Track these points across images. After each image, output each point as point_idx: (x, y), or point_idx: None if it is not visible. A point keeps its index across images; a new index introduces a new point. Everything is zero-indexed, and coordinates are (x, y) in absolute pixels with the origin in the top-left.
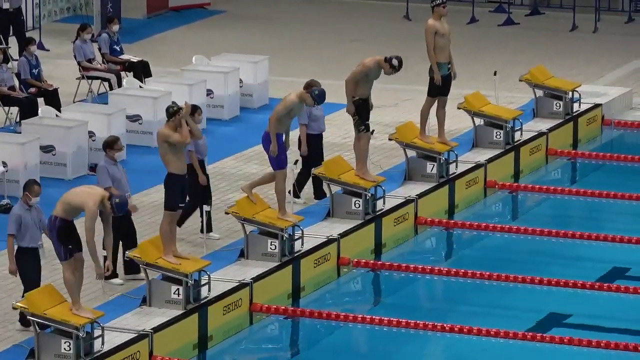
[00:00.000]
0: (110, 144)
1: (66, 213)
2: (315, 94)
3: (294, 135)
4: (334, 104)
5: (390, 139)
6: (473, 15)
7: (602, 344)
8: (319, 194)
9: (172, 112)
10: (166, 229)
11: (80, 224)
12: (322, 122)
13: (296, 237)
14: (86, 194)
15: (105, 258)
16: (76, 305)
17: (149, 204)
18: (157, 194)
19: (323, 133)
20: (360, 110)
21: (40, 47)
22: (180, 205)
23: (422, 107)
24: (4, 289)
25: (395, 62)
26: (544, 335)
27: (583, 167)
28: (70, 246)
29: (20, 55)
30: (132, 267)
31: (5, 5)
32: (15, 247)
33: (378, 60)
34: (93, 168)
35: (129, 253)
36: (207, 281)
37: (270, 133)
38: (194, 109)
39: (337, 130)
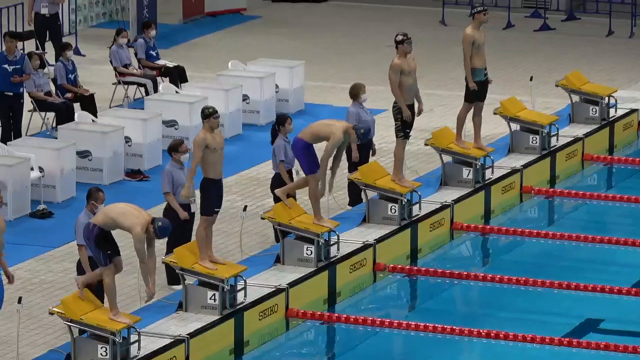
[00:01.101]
0: (175, 147)
1: (107, 226)
2: (360, 132)
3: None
4: (370, 109)
5: (426, 144)
6: (509, 20)
7: (638, 350)
8: (354, 199)
9: (207, 113)
10: (202, 234)
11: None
12: (373, 126)
13: (332, 243)
14: (134, 217)
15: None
16: (114, 310)
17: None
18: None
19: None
20: (402, 115)
21: (77, 52)
22: (216, 210)
23: (459, 112)
24: (41, 293)
25: (399, 37)
26: (580, 340)
27: (619, 172)
28: (109, 252)
29: (56, 60)
30: (175, 277)
31: (44, 11)
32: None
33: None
34: (129, 173)
35: (164, 258)
36: (243, 286)
37: (322, 165)
38: (284, 119)
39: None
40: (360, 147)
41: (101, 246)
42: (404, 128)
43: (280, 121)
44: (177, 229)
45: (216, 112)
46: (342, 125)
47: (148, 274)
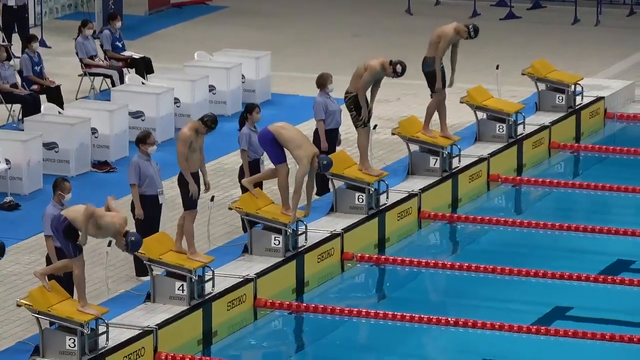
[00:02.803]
0: (143, 139)
1: (76, 224)
2: (322, 162)
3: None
4: (337, 98)
5: (393, 134)
6: (475, 9)
7: (606, 337)
8: (321, 189)
9: (207, 122)
10: (190, 228)
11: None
12: (339, 115)
13: (300, 232)
14: (113, 216)
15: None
16: (82, 301)
17: None
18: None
19: (339, 127)
20: (357, 105)
21: (42, 44)
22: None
23: (430, 102)
24: (7, 285)
25: (399, 68)
26: (548, 328)
27: (586, 160)
28: (78, 242)
29: (22, 52)
30: (143, 269)
31: (11, 2)
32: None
33: (382, 63)
34: (96, 165)
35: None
36: (211, 277)
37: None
38: (252, 108)
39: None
40: (327, 135)
41: (70, 237)
42: (360, 117)
43: (249, 109)
44: (145, 220)
45: (215, 126)
46: (310, 153)
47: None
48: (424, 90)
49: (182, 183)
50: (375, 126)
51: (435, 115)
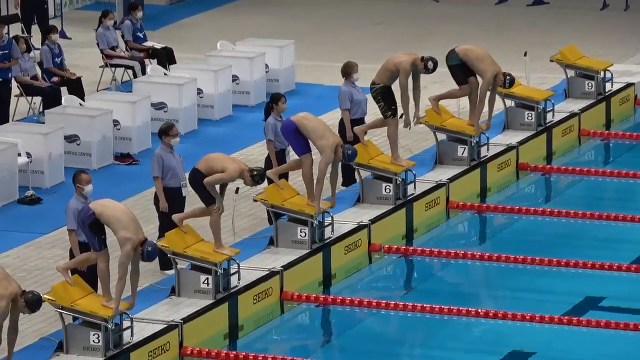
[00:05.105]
0: (166, 131)
1: (102, 219)
2: (347, 152)
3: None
4: (362, 87)
5: (420, 123)
6: None
7: (639, 327)
8: (348, 179)
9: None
10: (217, 221)
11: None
12: (365, 105)
13: (326, 224)
14: (125, 231)
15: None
16: (106, 296)
17: None
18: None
19: (365, 117)
20: (384, 96)
21: (63, 35)
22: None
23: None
24: (30, 280)
25: (430, 65)
26: (580, 318)
27: (616, 147)
28: (103, 237)
29: (42, 44)
30: (167, 263)
31: None
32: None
33: (414, 60)
34: (118, 157)
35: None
36: (236, 270)
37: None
38: (278, 98)
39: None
40: (353, 125)
41: (95, 231)
42: (389, 107)
43: (274, 99)
44: (169, 213)
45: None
46: (333, 143)
47: (120, 292)
48: (451, 79)
49: (196, 181)
50: (402, 116)
51: (466, 103)
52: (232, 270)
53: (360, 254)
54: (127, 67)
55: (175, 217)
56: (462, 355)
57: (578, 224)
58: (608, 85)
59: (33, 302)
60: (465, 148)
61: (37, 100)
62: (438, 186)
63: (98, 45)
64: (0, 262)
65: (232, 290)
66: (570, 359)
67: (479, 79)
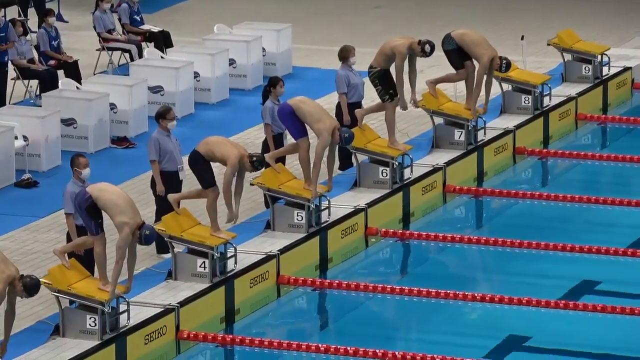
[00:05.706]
0: (163, 114)
1: (99, 203)
2: (344, 135)
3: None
4: (359, 71)
5: (416, 106)
6: None
7: (635, 311)
8: (344, 163)
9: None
10: (213, 205)
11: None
12: (362, 89)
13: (323, 208)
14: (123, 215)
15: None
16: (103, 280)
17: None
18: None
19: (362, 101)
20: (382, 80)
21: (59, 18)
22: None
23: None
24: (27, 264)
25: (427, 48)
26: (576, 302)
27: (613, 131)
28: (100, 220)
29: (39, 27)
30: (164, 246)
31: None
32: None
33: (411, 44)
34: (115, 141)
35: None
36: (233, 254)
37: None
38: (276, 81)
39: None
40: (350, 109)
41: (92, 215)
42: (387, 90)
43: (273, 83)
44: (166, 197)
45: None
46: (330, 126)
47: (118, 273)
48: (447, 63)
49: (196, 162)
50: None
51: (462, 87)
52: (229, 254)
53: (357, 237)
54: (124, 50)
55: (171, 197)
56: (458, 338)
57: (574, 208)
58: (605, 69)
59: (31, 287)
60: (462, 132)
61: (34, 83)
62: (435, 170)
63: (95, 29)
64: None
65: (228, 274)
66: (566, 342)
67: (476, 63)
